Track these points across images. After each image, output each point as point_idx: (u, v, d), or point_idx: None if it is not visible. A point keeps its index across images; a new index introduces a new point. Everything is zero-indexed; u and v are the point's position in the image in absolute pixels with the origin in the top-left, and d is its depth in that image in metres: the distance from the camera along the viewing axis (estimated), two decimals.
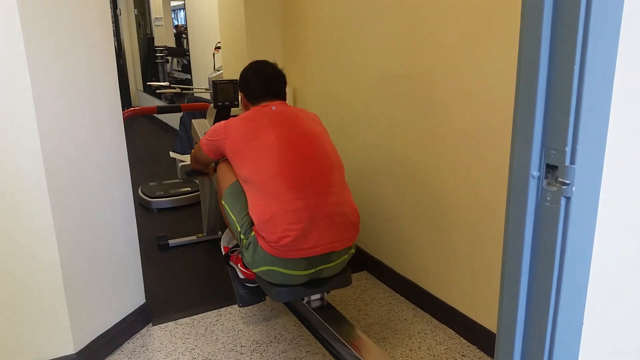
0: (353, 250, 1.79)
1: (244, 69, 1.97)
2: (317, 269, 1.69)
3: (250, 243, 1.68)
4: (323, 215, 1.65)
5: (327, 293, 1.85)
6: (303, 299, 1.82)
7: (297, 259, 1.64)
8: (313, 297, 1.82)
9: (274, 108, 1.83)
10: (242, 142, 1.74)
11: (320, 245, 1.65)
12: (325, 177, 1.70)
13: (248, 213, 1.71)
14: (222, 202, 1.84)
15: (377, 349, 1.59)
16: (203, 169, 2.25)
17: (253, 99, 1.91)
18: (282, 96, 1.93)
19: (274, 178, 1.64)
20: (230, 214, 1.79)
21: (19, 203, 1.59)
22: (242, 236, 1.73)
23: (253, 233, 1.68)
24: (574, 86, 0.50)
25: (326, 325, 1.70)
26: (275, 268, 1.65)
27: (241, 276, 1.96)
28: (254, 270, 1.72)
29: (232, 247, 2.10)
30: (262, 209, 1.64)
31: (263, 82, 1.89)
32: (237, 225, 1.75)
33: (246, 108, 1.97)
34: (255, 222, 1.66)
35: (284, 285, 1.70)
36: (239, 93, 2.03)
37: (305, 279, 1.70)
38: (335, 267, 1.73)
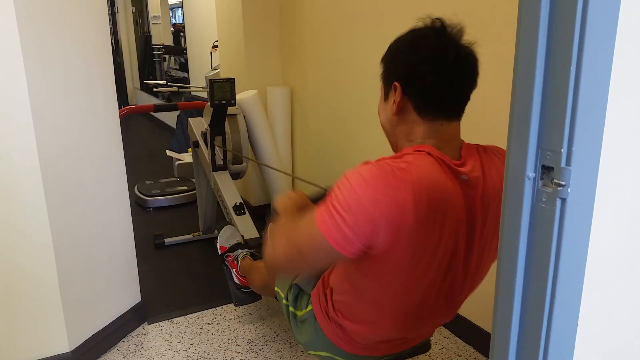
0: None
1: (404, 36, 1.01)
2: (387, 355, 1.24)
3: (306, 320, 1.23)
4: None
5: None
6: None
7: (372, 357, 1.21)
8: None
9: (464, 178, 0.96)
10: (412, 231, 0.89)
11: (410, 341, 1.22)
12: (462, 297, 1.14)
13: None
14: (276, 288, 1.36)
15: None
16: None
17: (427, 109, 0.98)
18: (461, 113, 1.03)
19: (404, 302, 1.05)
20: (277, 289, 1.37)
21: (13, 201, 1.58)
22: (287, 302, 1.30)
23: (311, 307, 1.21)
24: (570, 87, 0.50)
25: None
26: (337, 358, 1.22)
27: (236, 281, 1.95)
28: (307, 351, 1.29)
29: (229, 247, 2.09)
30: (362, 305, 1.09)
31: (451, 77, 0.96)
32: (279, 291, 1.35)
33: (402, 125, 1.01)
34: (340, 308, 1.13)
35: None
36: (390, 86, 1.00)
37: None
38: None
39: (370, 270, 0.97)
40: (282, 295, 1.33)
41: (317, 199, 1.15)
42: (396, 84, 0.98)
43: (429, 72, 0.94)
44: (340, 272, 1.13)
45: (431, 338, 1.42)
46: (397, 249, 0.90)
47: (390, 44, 1.02)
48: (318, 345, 1.23)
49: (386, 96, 1.03)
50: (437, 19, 0.99)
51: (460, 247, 0.99)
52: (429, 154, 0.94)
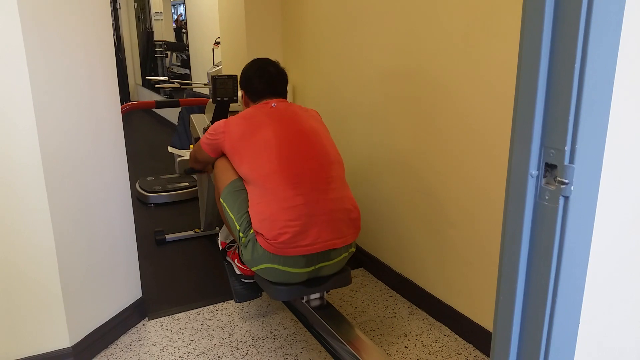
0: (353, 249, 1.77)
1: (245, 66, 1.98)
2: (317, 266, 1.67)
3: (249, 241, 1.67)
4: (322, 211, 1.64)
5: (327, 292, 1.83)
6: (302, 298, 1.82)
7: (296, 256, 1.62)
8: (312, 296, 1.81)
9: (274, 105, 1.83)
10: (241, 139, 1.74)
11: (320, 242, 1.63)
12: (324, 173, 1.70)
13: (247, 211, 1.71)
14: (221, 200, 1.83)
15: (375, 348, 1.59)
16: (203, 168, 2.24)
17: (254, 96, 1.92)
18: (283, 94, 1.94)
19: (272, 175, 1.64)
20: (229, 212, 1.78)
21: (15, 196, 1.58)
22: (240, 234, 1.71)
23: (252, 231, 1.67)
24: (574, 85, 0.50)
25: (325, 324, 1.69)
26: (274, 266, 1.63)
27: (238, 272, 1.96)
28: (253, 269, 1.70)
29: (229, 243, 2.10)
30: (260, 207, 1.64)
31: (265, 80, 1.90)
32: (235, 223, 1.74)
33: (246, 105, 1.98)
34: (254, 220, 1.65)
35: (283, 284, 1.68)
36: (239, 90, 2.04)
37: (304, 277, 1.68)
38: (335, 265, 1.71)
39: (235, 160, 1.77)
40: (233, 217, 1.76)
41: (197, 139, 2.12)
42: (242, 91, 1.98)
43: (259, 80, 1.93)
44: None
45: (349, 269, 1.80)
46: (234, 145, 1.77)
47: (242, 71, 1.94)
48: (259, 259, 1.64)
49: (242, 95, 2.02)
50: (266, 58, 1.98)
51: (285, 136, 1.72)
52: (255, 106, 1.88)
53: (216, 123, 1.85)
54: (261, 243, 1.63)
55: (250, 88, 1.92)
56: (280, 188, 1.63)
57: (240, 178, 1.80)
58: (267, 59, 1.96)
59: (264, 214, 1.62)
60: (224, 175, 1.87)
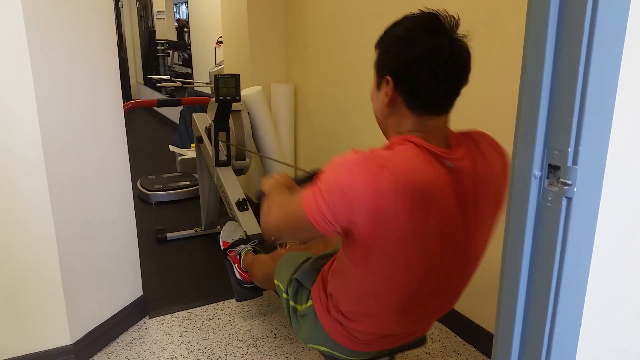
0: None
1: (399, 26, 1.04)
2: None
3: (307, 315, 1.25)
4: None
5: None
6: None
7: (371, 352, 1.23)
8: None
9: (451, 165, 0.98)
10: (401, 223, 0.94)
11: (408, 335, 1.24)
12: (463, 283, 1.16)
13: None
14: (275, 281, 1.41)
15: None
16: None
17: (417, 104, 1.00)
18: (451, 107, 1.03)
19: (402, 292, 1.06)
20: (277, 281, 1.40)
21: (17, 195, 1.59)
22: (287, 296, 1.32)
23: (311, 303, 1.24)
24: (578, 86, 0.50)
25: None
26: (337, 354, 1.24)
27: (238, 277, 1.95)
28: (307, 345, 1.32)
29: (232, 243, 2.10)
30: (362, 299, 1.10)
31: (443, 75, 0.96)
32: (280, 284, 1.37)
33: (389, 109, 1.05)
34: (342, 302, 1.15)
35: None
36: (383, 78, 1.06)
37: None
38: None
39: (358, 257, 1.01)
40: (282, 289, 1.35)
41: (302, 181, 1.25)
42: (388, 78, 1.00)
43: (422, 70, 0.95)
44: (337, 273, 1.17)
45: (427, 333, 1.45)
46: (379, 234, 0.94)
47: (385, 30, 1.03)
48: (318, 340, 1.25)
49: (378, 85, 1.06)
50: (432, 12, 0.99)
51: (453, 234, 1.00)
52: (414, 144, 0.96)
53: (348, 159, 0.93)
54: (330, 331, 1.20)
55: (411, 83, 0.98)
56: (403, 300, 1.10)
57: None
58: (437, 15, 0.99)
59: (364, 308, 1.13)
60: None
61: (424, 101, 0.98)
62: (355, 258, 1.02)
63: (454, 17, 0.98)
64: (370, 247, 0.96)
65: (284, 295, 1.33)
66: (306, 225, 0.94)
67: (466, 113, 1.84)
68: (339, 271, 1.14)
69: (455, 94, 0.99)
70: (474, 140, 1.06)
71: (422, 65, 0.94)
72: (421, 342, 1.35)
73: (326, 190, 0.91)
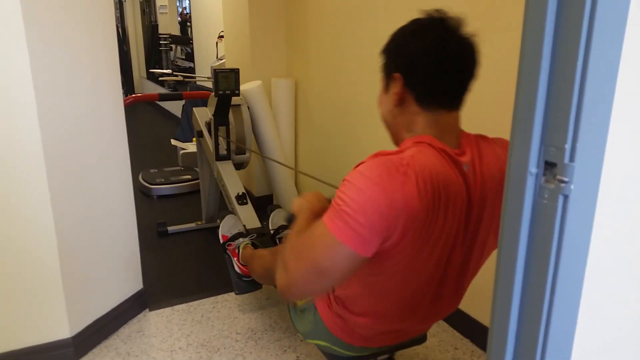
0: None
1: (406, 27, 1.00)
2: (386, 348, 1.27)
3: (306, 310, 1.26)
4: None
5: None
6: None
7: (370, 347, 1.24)
8: None
9: (465, 167, 0.97)
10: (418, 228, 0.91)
11: (409, 333, 1.23)
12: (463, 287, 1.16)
13: None
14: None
15: None
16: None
17: (427, 99, 0.98)
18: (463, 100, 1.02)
19: (413, 292, 1.06)
20: None
21: (16, 189, 1.59)
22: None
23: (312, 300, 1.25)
24: (576, 82, 0.50)
25: None
26: (335, 348, 1.23)
27: (237, 270, 1.96)
28: (306, 340, 1.30)
29: (231, 237, 2.10)
30: (370, 298, 1.09)
31: (452, 67, 0.96)
32: None
33: (398, 107, 1.01)
34: (344, 301, 1.14)
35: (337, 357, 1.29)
36: (390, 77, 1.01)
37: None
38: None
39: (376, 265, 0.96)
40: None
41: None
42: (397, 75, 0.98)
43: (430, 63, 0.94)
44: None
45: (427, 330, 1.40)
46: (404, 240, 0.90)
47: (391, 35, 1.02)
48: (317, 335, 1.24)
49: (387, 88, 1.03)
50: (438, 10, 0.99)
51: (460, 235, 1.00)
52: (429, 145, 0.94)
53: (358, 177, 0.87)
54: (330, 326, 1.20)
55: (419, 76, 0.97)
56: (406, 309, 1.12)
57: None
58: (444, 15, 0.98)
59: (365, 307, 1.14)
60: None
61: (434, 95, 0.97)
62: (371, 264, 0.96)
63: (460, 16, 0.99)
64: (390, 253, 0.92)
65: None
66: (346, 256, 0.86)
67: (466, 113, 1.83)
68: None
69: (464, 87, 0.98)
70: (488, 142, 1.06)
71: (431, 57, 0.94)
72: (422, 339, 1.35)
73: (358, 210, 0.84)
